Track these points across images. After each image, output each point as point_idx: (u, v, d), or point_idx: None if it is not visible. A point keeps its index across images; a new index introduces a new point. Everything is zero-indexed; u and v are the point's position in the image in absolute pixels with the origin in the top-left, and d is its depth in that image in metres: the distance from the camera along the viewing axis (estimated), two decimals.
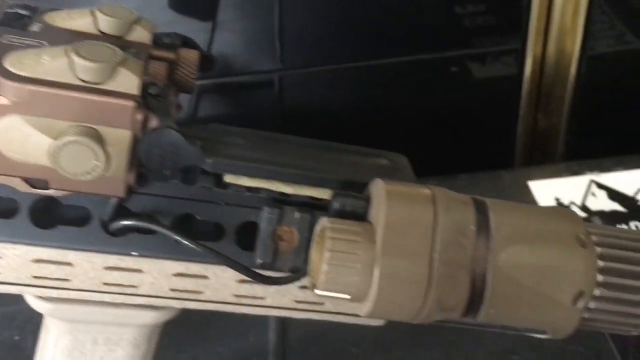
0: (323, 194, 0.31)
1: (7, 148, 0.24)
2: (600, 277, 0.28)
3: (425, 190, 0.28)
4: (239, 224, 0.31)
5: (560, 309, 0.28)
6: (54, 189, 0.25)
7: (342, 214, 0.29)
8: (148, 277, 0.30)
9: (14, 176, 0.25)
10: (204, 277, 0.31)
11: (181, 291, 0.31)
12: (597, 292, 0.28)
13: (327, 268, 0.27)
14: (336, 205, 0.29)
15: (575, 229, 0.29)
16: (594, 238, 0.29)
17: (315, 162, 0.31)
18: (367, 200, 0.29)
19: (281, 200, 0.31)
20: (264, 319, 0.50)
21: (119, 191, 0.26)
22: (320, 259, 0.27)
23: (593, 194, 0.58)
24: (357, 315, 0.34)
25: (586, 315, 0.29)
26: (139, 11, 0.29)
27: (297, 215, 0.30)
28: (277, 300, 0.32)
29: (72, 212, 0.29)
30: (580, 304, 0.28)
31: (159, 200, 0.30)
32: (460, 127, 0.70)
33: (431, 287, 0.27)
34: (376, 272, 0.27)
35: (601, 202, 0.57)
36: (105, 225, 0.29)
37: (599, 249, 0.29)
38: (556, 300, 0.28)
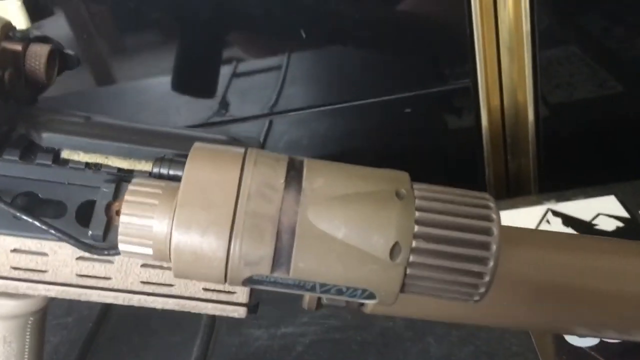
0: None
1: None
2: (417, 228, 0.27)
3: (237, 149, 0.29)
4: (81, 202, 0.31)
5: (378, 264, 0.27)
6: None
7: (162, 178, 0.30)
8: None
9: None
10: (43, 253, 0.31)
11: (24, 270, 0.31)
12: (414, 243, 0.27)
13: (123, 219, 0.27)
14: (156, 169, 0.30)
15: (397, 185, 0.28)
16: (417, 192, 0.28)
17: (156, 140, 0.32)
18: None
19: (120, 177, 0.31)
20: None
21: None
22: None
23: (547, 221, 0.55)
24: (212, 301, 0.33)
25: (409, 271, 0.27)
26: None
27: None
28: (123, 280, 0.32)
29: None
30: (399, 258, 0.27)
31: (3, 179, 0.31)
32: (429, 171, 0.69)
33: (234, 237, 0.26)
34: (173, 222, 0.26)
35: (554, 228, 0.54)
36: None
37: (417, 201, 0.28)
38: (371, 254, 0.27)
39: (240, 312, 0.33)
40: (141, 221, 0.27)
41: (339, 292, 0.28)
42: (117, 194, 0.31)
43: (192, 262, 0.27)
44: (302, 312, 0.45)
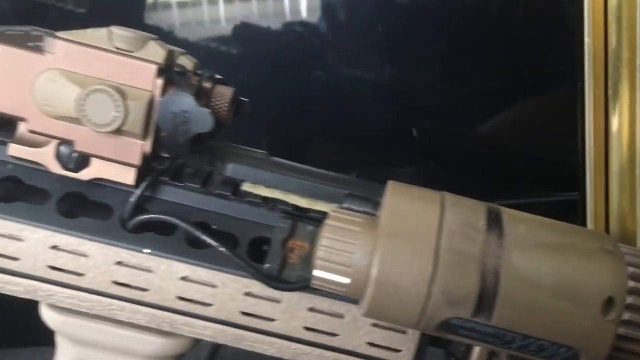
0: None
1: (42, 99, 0.27)
2: (631, 283, 0.25)
3: (434, 192, 0.28)
4: (253, 237, 0.31)
5: (588, 320, 0.25)
6: (79, 151, 0.28)
7: None
8: (155, 278, 0.30)
9: (45, 135, 0.28)
10: (212, 285, 0.30)
11: (188, 300, 0.30)
12: (629, 299, 0.25)
13: (324, 242, 0.26)
14: (346, 205, 0.29)
15: (602, 242, 0.27)
16: (623, 249, 0.27)
17: (335, 182, 0.32)
18: (377, 203, 0.29)
19: (296, 215, 0.31)
20: None
21: (135, 157, 0.28)
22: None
23: None
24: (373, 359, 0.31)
25: (621, 330, 0.25)
26: None
27: (309, 228, 0.30)
28: (286, 324, 0.30)
29: (96, 208, 0.31)
30: (612, 315, 0.25)
31: (178, 206, 0.31)
32: None
33: (436, 271, 0.25)
34: (377, 251, 0.25)
35: None
36: (123, 222, 0.30)
37: (627, 257, 0.26)
38: (582, 307, 0.25)
39: None
40: (343, 246, 0.26)
41: (540, 348, 0.26)
42: (293, 232, 0.30)
43: (391, 296, 0.25)
44: None
